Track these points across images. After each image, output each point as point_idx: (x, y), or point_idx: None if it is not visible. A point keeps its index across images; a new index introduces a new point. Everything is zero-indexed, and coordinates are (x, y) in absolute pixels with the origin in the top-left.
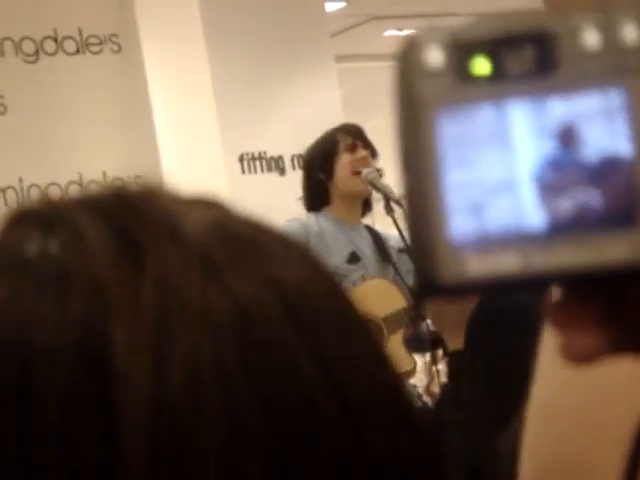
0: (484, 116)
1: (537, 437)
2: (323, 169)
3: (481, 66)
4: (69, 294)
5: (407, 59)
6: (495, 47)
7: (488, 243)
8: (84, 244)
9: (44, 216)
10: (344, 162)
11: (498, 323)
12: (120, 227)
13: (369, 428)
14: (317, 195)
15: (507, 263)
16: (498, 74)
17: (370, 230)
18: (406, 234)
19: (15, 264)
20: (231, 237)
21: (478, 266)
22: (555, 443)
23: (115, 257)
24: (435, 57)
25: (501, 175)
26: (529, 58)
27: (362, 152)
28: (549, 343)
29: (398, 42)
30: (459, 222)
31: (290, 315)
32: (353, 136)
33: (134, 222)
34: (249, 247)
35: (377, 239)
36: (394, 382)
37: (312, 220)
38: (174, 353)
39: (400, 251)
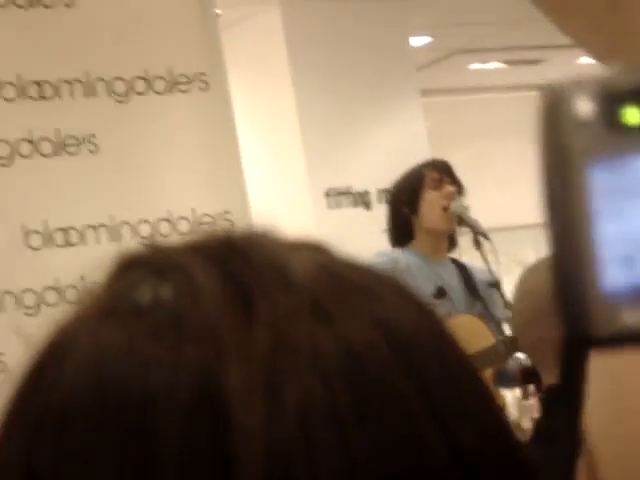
0: (637, 167)
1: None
2: (408, 204)
3: (632, 116)
4: (183, 339)
5: (555, 110)
6: None
7: None
8: (196, 290)
9: (155, 262)
10: (430, 198)
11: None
12: (229, 272)
13: (481, 477)
14: (402, 230)
15: None
16: None
17: (457, 264)
18: (550, 284)
19: (130, 310)
20: (337, 280)
21: (633, 318)
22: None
23: (226, 302)
24: (585, 107)
25: None
26: None
27: (449, 188)
28: (601, 372)
29: (543, 92)
30: (613, 274)
31: (399, 358)
32: (440, 171)
33: (243, 267)
34: (355, 290)
35: (465, 273)
36: (505, 428)
37: (399, 255)
38: (287, 398)
39: (490, 285)
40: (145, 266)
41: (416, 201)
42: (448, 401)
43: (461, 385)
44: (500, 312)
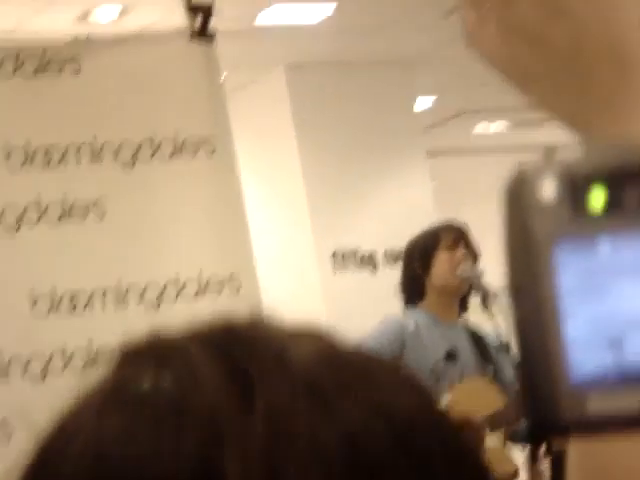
0: (602, 250)
1: None
2: (421, 263)
3: (597, 199)
4: (183, 427)
5: (520, 192)
6: (611, 180)
7: (610, 381)
8: (196, 378)
9: (157, 351)
10: (443, 259)
11: None
12: (230, 360)
13: None
14: (413, 288)
15: (630, 403)
16: (615, 207)
17: (468, 327)
18: (517, 368)
19: (130, 399)
20: (338, 366)
21: (598, 404)
22: None
23: (226, 390)
24: (550, 190)
25: (630, 310)
26: None
27: (462, 251)
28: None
29: (509, 175)
30: (581, 359)
31: (399, 445)
32: (455, 234)
33: (244, 354)
34: (356, 375)
35: (476, 337)
36: None
37: (408, 318)
38: None
39: (500, 348)
40: (147, 355)
41: (429, 261)
42: None
43: (462, 471)
44: (510, 375)
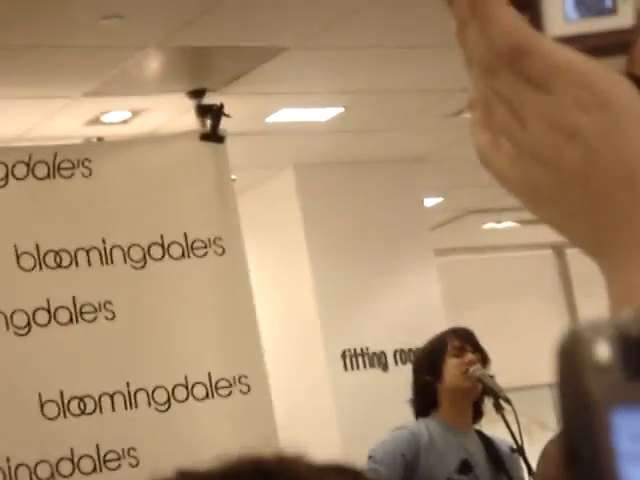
0: None
1: None
2: (431, 371)
3: None
4: None
5: (574, 354)
6: None
7: None
8: None
9: None
10: (451, 364)
11: None
12: None
13: None
14: (425, 397)
15: None
16: None
17: (481, 436)
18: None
19: None
20: None
21: None
22: None
23: None
24: (604, 352)
25: None
26: None
27: (470, 356)
28: None
29: (561, 337)
30: None
31: None
32: (462, 340)
33: None
34: None
35: (489, 445)
36: None
37: (422, 428)
38: None
39: (512, 451)
40: None
41: (438, 368)
42: None
43: None
44: (524, 478)
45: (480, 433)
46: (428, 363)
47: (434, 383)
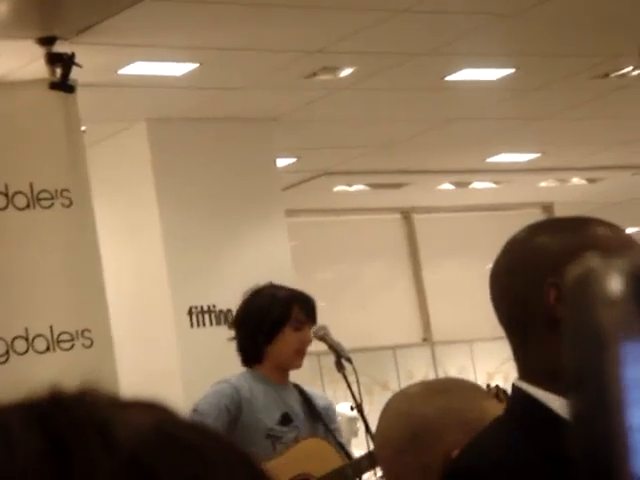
0: None
1: None
2: (266, 332)
3: None
4: None
5: (587, 288)
6: None
7: None
8: (12, 449)
9: None
10: (289, 339)
11: None
12: (52, 431)
13: None
14: (251, 352)
15: None
16: None
17: (298, 389)
18: (578, 454)
19: None
20: (168, 441)
21: None
22: None
23: (43, 462)
24: (617, 287)
25: None
26: None
27: (309, 335)
28: None
29: (575, 269)
30: None
31: None
32: (306, 313)
33: (66, 427)
34: (186, 451)
35: (305, 398)
36: None
37: (243, 382)
38: None
39: (351, 409)
40: None
41: (274, 334)
42: None
43: None
44: (339, 435)
45: (298, 387)
46: (267, 324)
47: (264, 345)
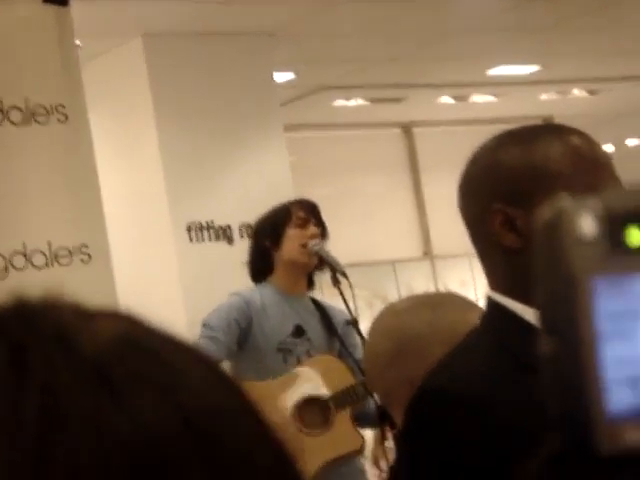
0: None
1: None
2: (271, 237)
3: (635, 236)
4: None
5: (558, 227)
6: None
7: None
8: None
9: None
10: (293, 235)
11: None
12: (11, 339)
13: None
14: (261, 262)
15: None
16: None
17: (316, 303)
18: (550, 398)
19: None
20: (134, 351)
21: (636, 438)
22: None
23: (1, 373)
24: (589, 227)
25: None
26: None
27: (313, 229)
28: None
29: (547, 211)
30: (617, 395)
31: (192, 435)
32: (307, 211)
33: (26, 335)
34: (153, 362)
35: (323, 312)
36: None
37: (255, 295)
38: (55, 468)
39: (347, 324)
40: None
41: (279, 236)
42: None
43: (258, 467)
44: (358, 352)
45: (315, 301)
46: (270, 229)
47: (272, 250)
